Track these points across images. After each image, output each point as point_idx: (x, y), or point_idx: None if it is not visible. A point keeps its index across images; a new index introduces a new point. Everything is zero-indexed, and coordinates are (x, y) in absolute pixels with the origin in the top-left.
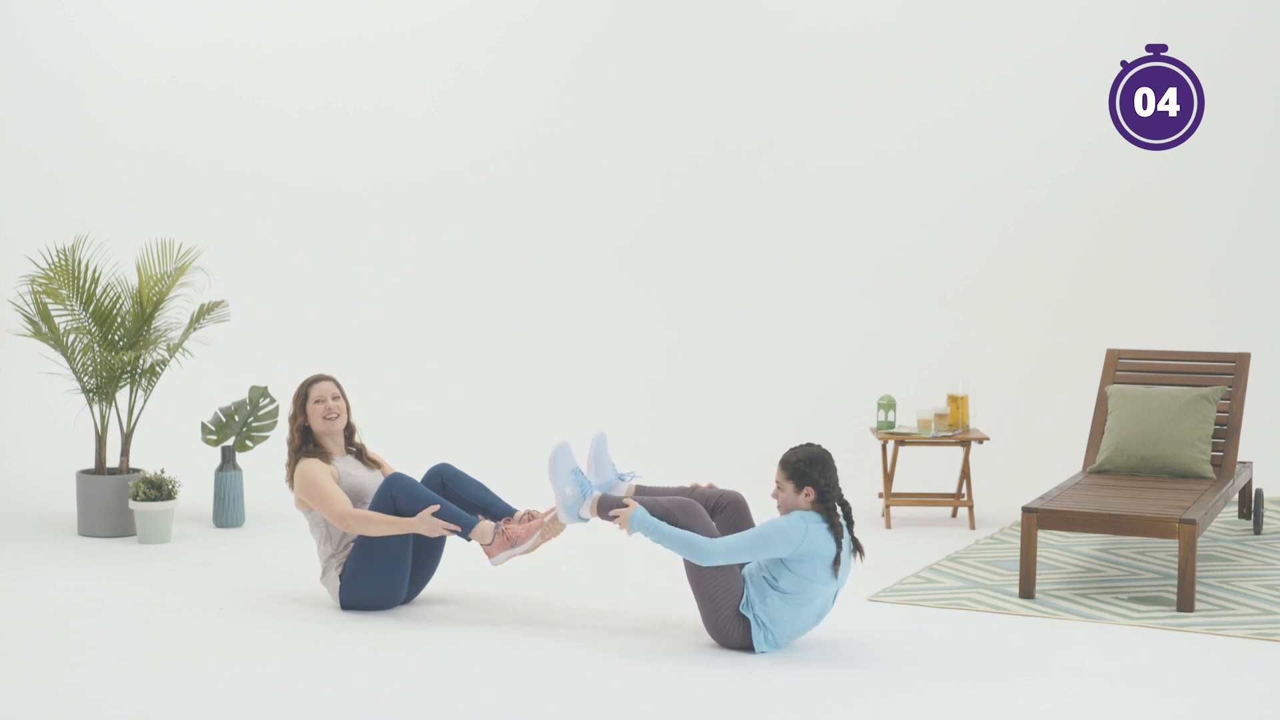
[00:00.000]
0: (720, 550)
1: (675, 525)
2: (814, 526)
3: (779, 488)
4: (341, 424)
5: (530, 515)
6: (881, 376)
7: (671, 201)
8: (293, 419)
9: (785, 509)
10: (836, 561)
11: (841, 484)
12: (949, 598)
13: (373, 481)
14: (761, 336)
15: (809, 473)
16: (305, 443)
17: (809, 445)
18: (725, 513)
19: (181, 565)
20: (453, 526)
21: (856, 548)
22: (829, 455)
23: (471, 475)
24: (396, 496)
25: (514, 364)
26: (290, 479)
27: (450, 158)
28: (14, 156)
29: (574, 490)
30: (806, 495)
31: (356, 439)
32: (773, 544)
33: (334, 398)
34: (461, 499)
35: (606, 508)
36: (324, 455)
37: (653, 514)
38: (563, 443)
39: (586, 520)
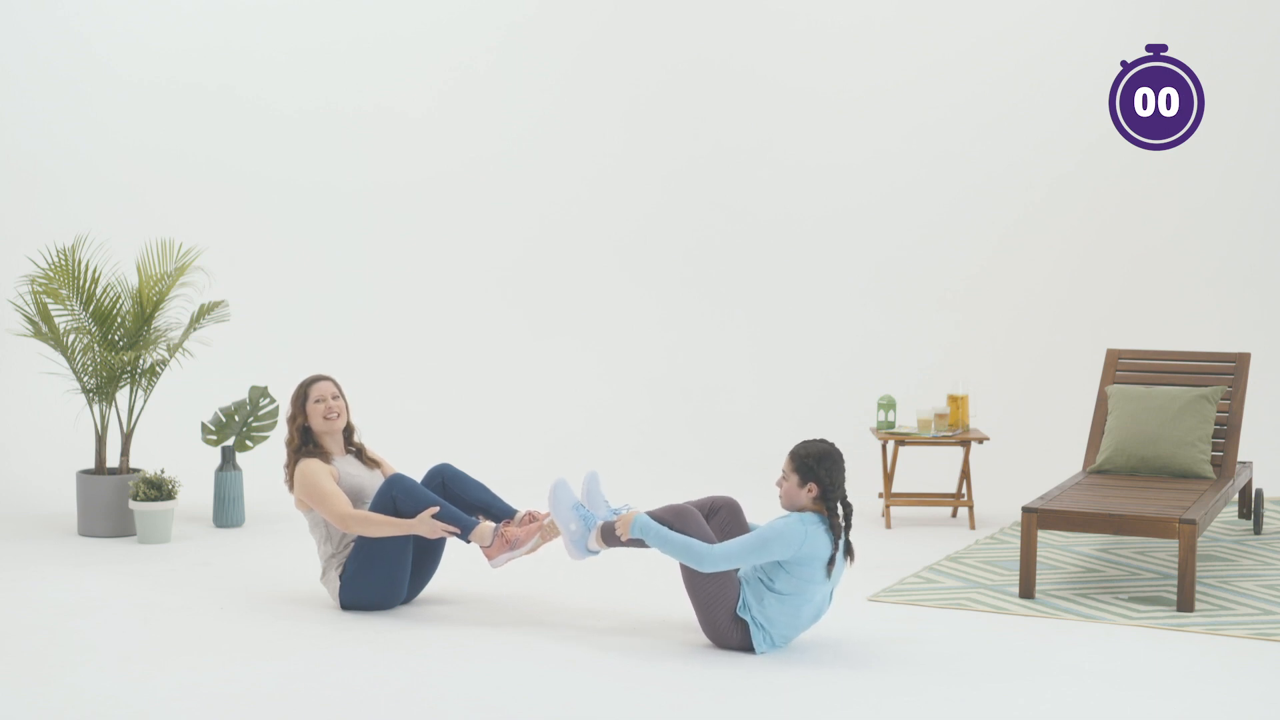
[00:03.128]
0: (721, 556)
1: None
2: (812, 529)
3: (784, 477)
4: (342, 423)
5: (531, 516)
6: (881, 376)
7: (671, 201)
8: (291, 419)
9: (786, 499)
10: (831, 561)
11: (846, 485)
12: (949, 598)
13: (373, 481)
14: (761, 336)
15: (815, 469)
16: (305, 443)
17: (821, 441)
18: (720, 517)
19: (181, 565)
20: (452, 529)
21: (848, 551)
22: (839, 454)
23: (472, 475)
24: (396, 497)
25: (514, 364)
26: (289, 480)
27: (450, 158)
28: (14, 156)
29: (578, 525)
30: (809, 491)
31: (355, 439)
32: (772, 548)
33: (334, 397)
34: (462, 499)
35: (611, 533)
36: (324, 455)
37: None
38: (559, 480)
39: (596, 552)
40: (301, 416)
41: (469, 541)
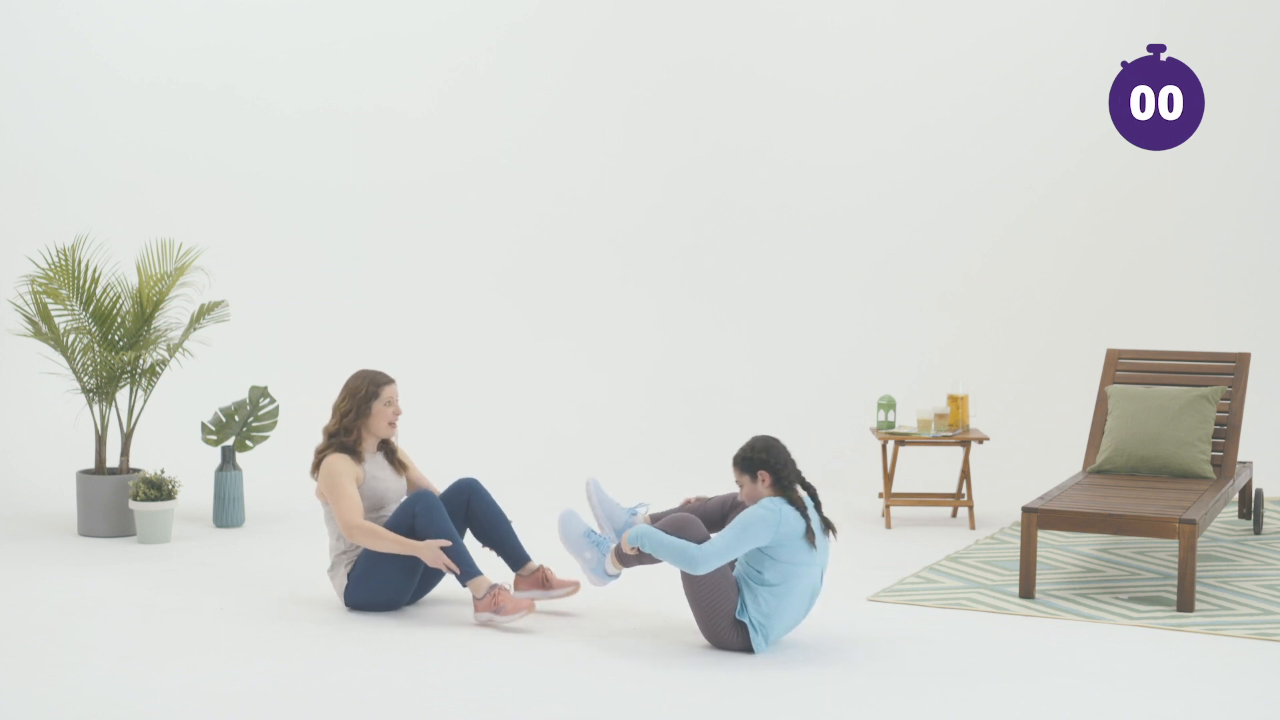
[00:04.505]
0: (711, 553)
1: None
2: (783, 507)
3: (740, 486)
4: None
5: (543, 575)
6: (881, 376)
7: (671, 201)
8: (345, 411)
9: (750, 501)
10: (809, 533)
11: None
12: (949, 598)
13: (396, 489)
14: (761, 336)
15: (755, 459)
16: (347, 436)
17: (753, 437)
18: (734, 514)
19: (181, 565)
20: (453, 566)
21: (829, 526)
22: (775, 440)
23: (496, 503)
24: (416, 515)
25: (513, 363)
26: (316, 467)
27: (450, 158)
28: (14, 156)
29: (592, 553)
30: (763, 481)
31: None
32: (753, 532)
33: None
34: (482, 524)
35: (625, 555)
36: (356, 454)
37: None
38: (567, 511)
39: (617, 575)
40: (364, 416)
41: (464, 585)
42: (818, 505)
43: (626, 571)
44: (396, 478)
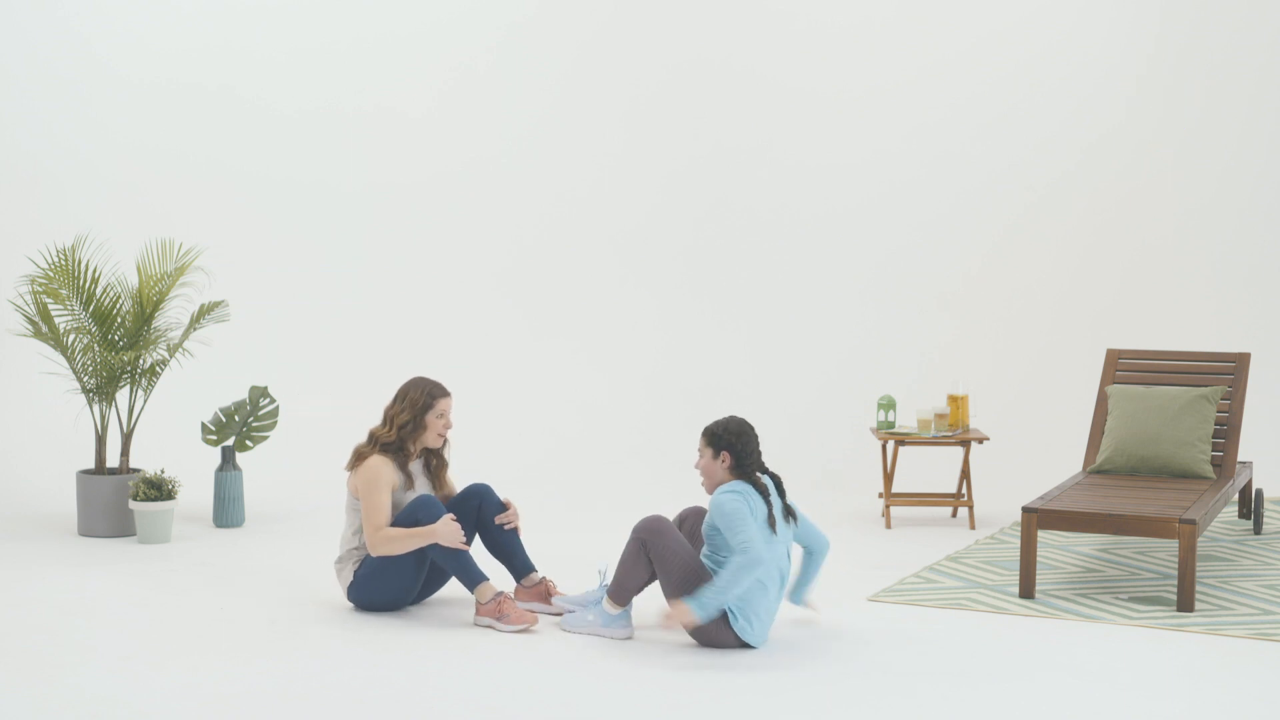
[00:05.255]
0: (730, 572)
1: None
2: (745, 492)
3: (700, 455)
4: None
5: (546, 588)
6: (881, 376)
7: (671, 201)
8: (395, 415)
9: (705, 477)
10: (770, 519)
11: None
12: (949, 598)
13: None
14: (760, 336)
15: (723, 438)
16: (400, 448)
17: (730, 416)
18: (688, 524)
19: (181, 565)
20: (463, 540)
21: (790, 514)
22: (749, 426)
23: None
24: (419, 523)
25: (513, 364)
26: (355, 462)
27: (450, 158)
28: (14, 156)
29: (595, 615)
30: (723, 460)
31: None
32: (740, 516)
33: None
34: (492, 532)
35: (619, 590)
36: (403, 459)
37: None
38: (563, 616)
39: (625, 611)
40: (421, 429)
41: (471, 591)
42: (782, 493)
43: (613, 558)
44: (428, 490)
